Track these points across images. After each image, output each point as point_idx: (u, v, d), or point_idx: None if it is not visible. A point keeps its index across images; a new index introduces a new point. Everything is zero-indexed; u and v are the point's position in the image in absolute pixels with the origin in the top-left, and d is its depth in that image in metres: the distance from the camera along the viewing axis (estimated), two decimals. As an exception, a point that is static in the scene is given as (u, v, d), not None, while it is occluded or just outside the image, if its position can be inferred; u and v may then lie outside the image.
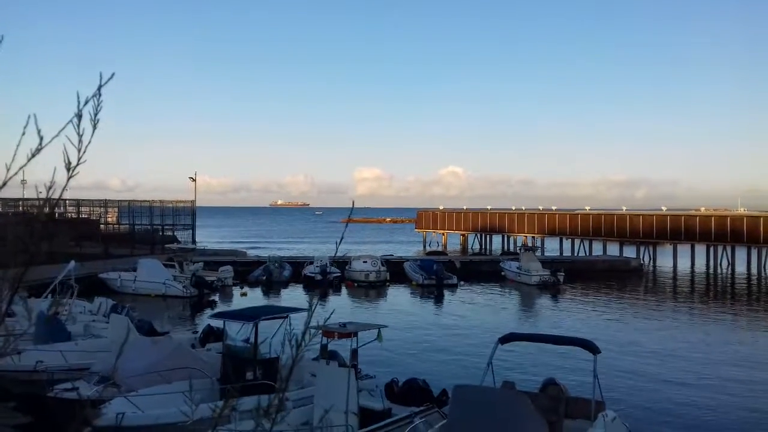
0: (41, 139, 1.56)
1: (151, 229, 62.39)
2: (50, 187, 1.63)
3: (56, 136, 1.59)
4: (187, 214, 65.51)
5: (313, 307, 2.05)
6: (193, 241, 64.13)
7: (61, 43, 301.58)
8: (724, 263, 57.69)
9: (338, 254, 52.93)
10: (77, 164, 1.60)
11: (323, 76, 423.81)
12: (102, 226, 61.69)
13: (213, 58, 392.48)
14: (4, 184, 1.61)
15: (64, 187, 1.64)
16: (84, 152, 1.60)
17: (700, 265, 57.57)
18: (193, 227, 65.55)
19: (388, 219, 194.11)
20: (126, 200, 64.01)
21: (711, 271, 56.40)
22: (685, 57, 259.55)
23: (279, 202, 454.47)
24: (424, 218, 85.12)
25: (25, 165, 1.63)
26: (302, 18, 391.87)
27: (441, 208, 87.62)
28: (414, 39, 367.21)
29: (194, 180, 67.48)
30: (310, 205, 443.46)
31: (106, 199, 64.21)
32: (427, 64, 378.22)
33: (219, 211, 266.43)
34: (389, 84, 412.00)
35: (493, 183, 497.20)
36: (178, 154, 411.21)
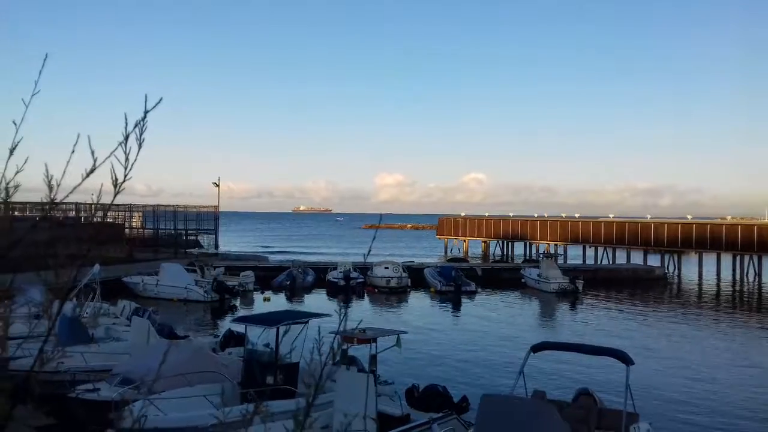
0: (95, 160, 1.63)
1: (174, 234, 63.04)
2: (98, 201, 1.68)
3: (108, 157, 1.68)
4: (211, 219, 66.10)
5: (342, 317, 2.04)
6: (216, 246, 64.62)
7: (84, 48, 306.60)
8: (751, 273, 56.76)
9: (359, 261, 53.11)
10: (123, 181, 1.67)
11: (346, 83, 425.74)
12: (127, 230, 62.43)
13: (237, 65, 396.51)
14: (54, 204, 1.67)
15: (111, 201, 1.73)
16: (130, 170, 1.67)
17: (726, 274, 56.69)
18: (216, 232, 66.08)
19: (409, 225, 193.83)
20: (151, 205, 64.78)
21: (737, 280, 55.54)
22: (712, 63, 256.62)
23: (301, 207, 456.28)
24: (446, 225, 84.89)
25: (78, 185, 1.72)
26: (326, 25, 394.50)
27: (462, 214, 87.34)
28: (438, 45, 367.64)
29: (218, 185, 68.10)
30: (332, 211, 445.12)
31: (131, 204, 64.91)
32: (451, 70, 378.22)
33: (242, 217, 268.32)
34: (412, 90, 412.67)
35: (516, 190, 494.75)
36: (202, 160, 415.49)
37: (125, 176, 1.63)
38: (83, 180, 1.62)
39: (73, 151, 1.65)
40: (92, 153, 1.56)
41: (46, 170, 1.58)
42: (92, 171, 1.59)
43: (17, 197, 2.03)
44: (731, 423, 17.54)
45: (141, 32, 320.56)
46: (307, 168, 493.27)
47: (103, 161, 1.60)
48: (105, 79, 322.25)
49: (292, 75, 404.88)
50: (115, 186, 1.62)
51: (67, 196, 1.70)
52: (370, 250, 2.49)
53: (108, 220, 59.56)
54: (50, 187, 1.59)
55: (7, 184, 1.90)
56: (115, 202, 1.86)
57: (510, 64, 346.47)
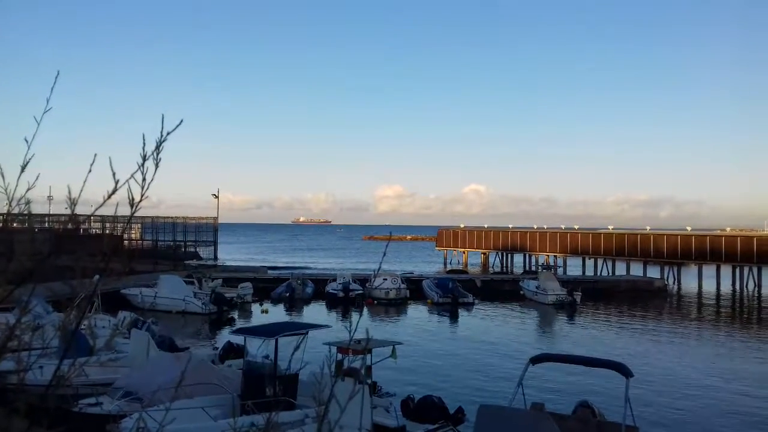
0: (116, 182, 1.66)
1: (173, 246, 63.00)
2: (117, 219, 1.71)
3: (129, 179, 1.70)
4: (210, 230, 66.12)
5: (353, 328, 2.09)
6: (215, 258, 64.58)
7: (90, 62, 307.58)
8: (750, 284, 56.76)
9: (359, 272, 53.13)
10: (141, 200, 1.70)
11: (346, 94, 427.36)
12: (126, 242, 62.33)
13: (237, 77, 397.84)
14: (79, 222, 1.71)
15: (129, 220, 1.77)
16: (147, 189, 1.69)
17: (726, 286, 56.69)
18: (215, 244, 66.06)
19: (409, 237, 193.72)
20: (149, 216, 64.72)
21: (737, 292, 55.52)
22: (712, 74, 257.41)
23: (301, 219, 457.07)
24: (445, 236, 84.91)
25: (100, 206, 1.75)
26: (324, 36, 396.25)
27: (462, 226, 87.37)
28: (436, 59, 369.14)
29: (217, 197, 68.16)
30: (331, 222, 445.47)
31: (130, 215, 64.79)
32: (450, 83, 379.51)
33: (241, 228, 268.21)
34: (412, 102, 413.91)
35: (515, 201, 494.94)
36: (201, 171, 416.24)
37: (142, 196, 1.67)
38: (105, 201, 1.67)
39: (89, 171, 1.70)
40: (114, 175, 1.60)
41: (69, 191, 1.63)
42: (114, 192, 1.63)
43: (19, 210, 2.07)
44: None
45: (140, 43, 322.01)
46: (307, 179, 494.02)
47: (123, 183, 1.64)
48: (105, 87, 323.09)
49: (292, 87, 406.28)
50: (131, 206, 1.67)
51: (89, 216, 1.74)
52: (380, 267, 2.56)
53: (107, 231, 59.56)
54: (73, 212, 1.63)
55: (18, 201, 1.95)
56: (112, 214, 1.90)
57: (509, 75, 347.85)
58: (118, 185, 1.65)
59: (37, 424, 1.78)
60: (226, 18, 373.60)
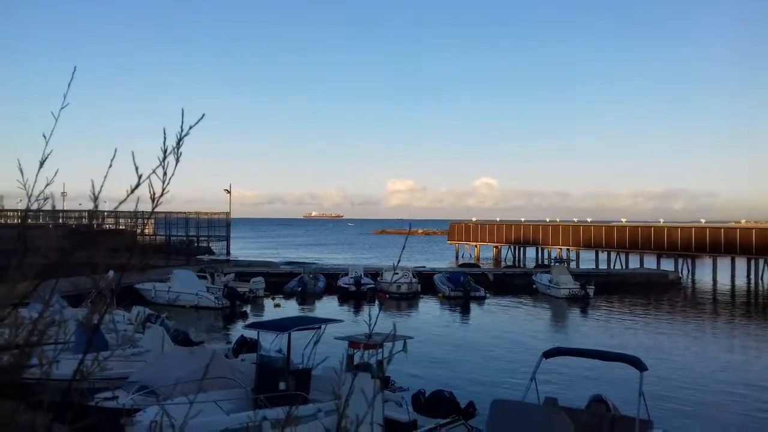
0: (140, 177, 1.67)
1: (186, 241, 63.28)
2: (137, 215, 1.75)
3: (151, 173, 1.70)
4: (222, 225, 66.34)
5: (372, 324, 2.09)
6: (228, 253, 64.84)
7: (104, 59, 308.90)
8: (766, 277, 56.30)
9: (371, 266, 53.14)
10: (162, 194, 1.70)
11: (357, 89, 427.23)
12: (139, 237, 62.61)
13: (249, 75, 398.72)
14: (101, 218, 1.73)
15: (150, 215, 1.77)
16: (168, 184, 1.70)
17: (741, 279, 56.26)
18: (227, 238, 66.30)
19: (420, 231, 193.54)
20: (162, 212, 65.00)
21: (752, 285, 55.08)
22: (725, 66, 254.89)
23: (313, 213, 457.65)
24: (457, 230, 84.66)
25: (124, 200, 1.75)
26: (335, 36, 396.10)
27: (474, 220, 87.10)
28: (448, 53, 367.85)
29: (229, 192, 68.45)
30: (343, 217, 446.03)
31: (143, 211, 65.14)
32: (462, 77, 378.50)
33: (253, 223, 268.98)
34: (423, 97, 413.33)
35: (527, 195, 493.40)
36: (214, 167, 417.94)
37: (163, 190, 1.68)
38: (128, 196, 1.68)
39: (110, 166, 1.71)
40: (136, 169, 1.61)
41: (92, 185, 1.64)
42: (137, 186, 1.65)
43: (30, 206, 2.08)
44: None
45: (156, 39, 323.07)
46: (319, 174, 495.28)
47: (147, 177, 1.64)
48: (117, 85, 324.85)
49: (303, 82, 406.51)
50: (153, 200, 1.68)
51: (113, 211, 1.75)
52: (399, 260, 2.58)
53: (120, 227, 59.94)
54: (96, 207, 1.65)
55: (37, 195, 1.97)
56: (125, 209, 1.90)
57: (520, 68, 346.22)
58: (142, 179, 1.65)
59: (57, 419, 1.79)
60: (239, 15, 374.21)
